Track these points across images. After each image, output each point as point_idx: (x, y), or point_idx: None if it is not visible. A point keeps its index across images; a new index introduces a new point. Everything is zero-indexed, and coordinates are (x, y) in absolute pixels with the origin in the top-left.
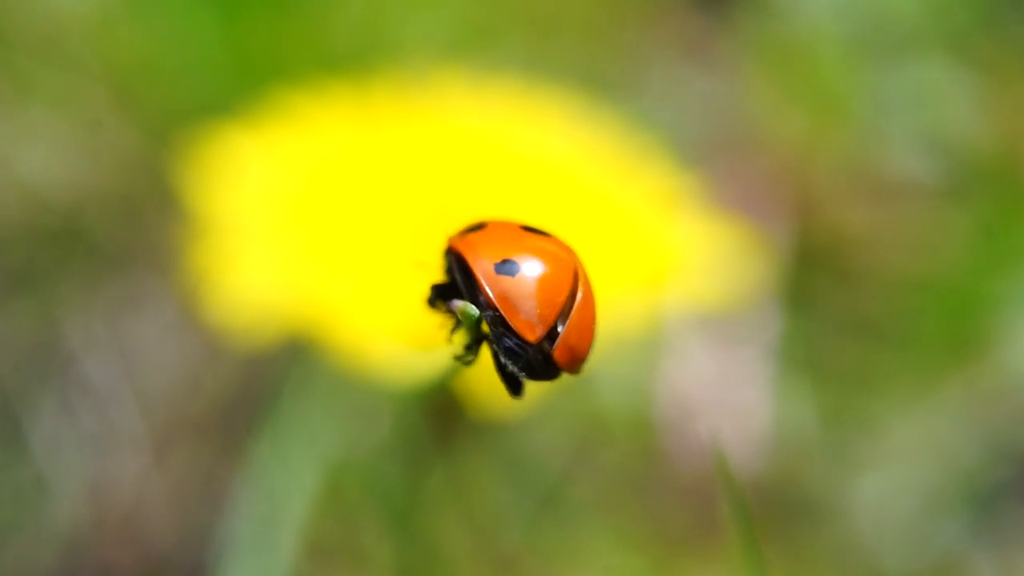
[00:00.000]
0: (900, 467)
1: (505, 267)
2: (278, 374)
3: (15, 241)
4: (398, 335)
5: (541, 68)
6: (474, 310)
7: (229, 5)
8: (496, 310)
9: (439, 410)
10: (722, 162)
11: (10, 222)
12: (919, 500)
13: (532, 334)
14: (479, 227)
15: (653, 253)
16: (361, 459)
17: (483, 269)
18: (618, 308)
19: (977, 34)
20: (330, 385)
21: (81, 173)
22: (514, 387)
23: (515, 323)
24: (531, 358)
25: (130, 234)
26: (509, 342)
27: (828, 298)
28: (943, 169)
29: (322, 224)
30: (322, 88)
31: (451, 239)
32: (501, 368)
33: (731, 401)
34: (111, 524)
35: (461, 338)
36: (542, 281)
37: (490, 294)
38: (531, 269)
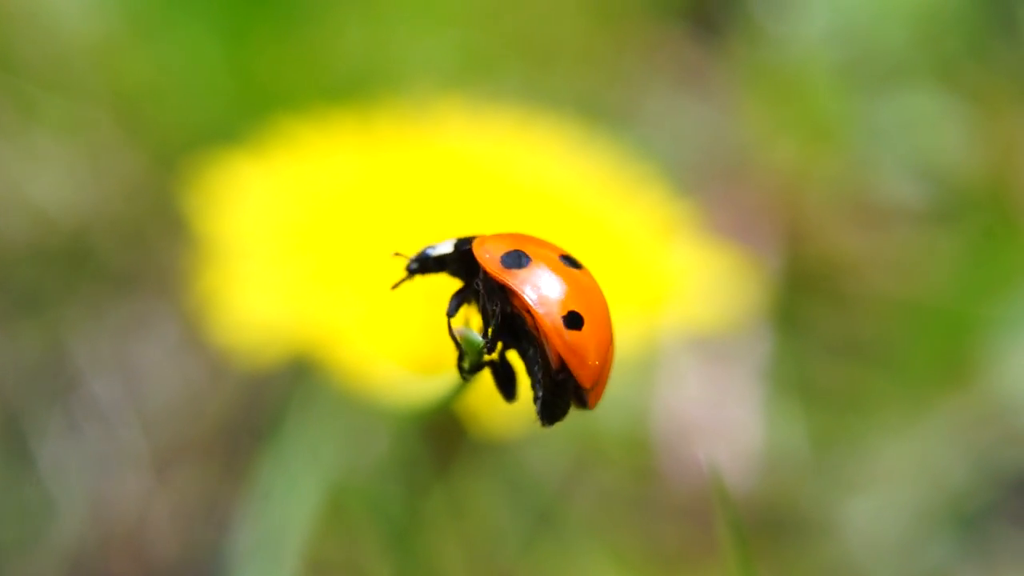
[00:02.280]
0: (890, 488)
1: (572, 320)
2: (281, 395)
3: (22, 263)
4: (399, 358)
5: (539, 96)
6: (477, 338)
7: (233, 32)
8: (562, 365)
9: (438, 430)
10: (716, 188)
11: (17, 244)
12: (909, 520)
13: (590, 382)
14: (521, 259)
15: (649, 278)
16: (362, 478)
17: (552, 322)
18: (615, 331)
19: (966, 62)
20: (332, 406)
21: (87, 197)
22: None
23: (580, 374)
24: (568, 397)
25: (136, 257)
26: (560, 382)
27: (819, 321)
28: (932, 195)
29: (325, 248)
30: (325, 115)
31: (494, 269)
32: (535, 396)
33: (724, 422)
34: (116, 541)
35: (464, 362)
36: (600, 330)
37: (558, 351)
38: (593, 318)
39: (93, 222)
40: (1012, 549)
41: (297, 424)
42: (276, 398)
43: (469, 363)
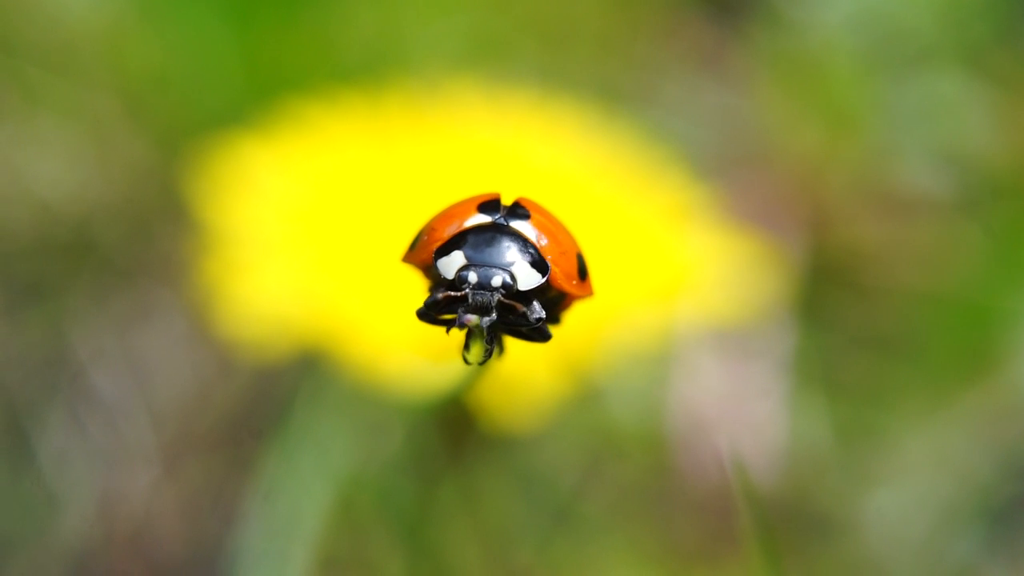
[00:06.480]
0: (914, 482)
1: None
2: (289, 387)
3: (25, 253)
4: (410, 348)
5: (555, 79)
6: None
7: (241, 15)
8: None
9: (451, 423)
10: (736, 175)
11: (20, 234)
12: (933, 515)
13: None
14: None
15: (666, 266)
16: (373, 472)
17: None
18: (631, 321)
19: (992, 48)
20: (342, 398)
21: (91, 184)
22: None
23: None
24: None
25: (140, 246)
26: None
27: (842, 313)
28: (957, 183)
29: (334, 237)
30: (335, 99)
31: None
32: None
33: (744, 416)
34: (120, 538)
35: (476, 349)
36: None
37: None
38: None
39: (98, 211)
40: None
41: (307, 416)
42: (285, 390)
43: (483, 343)
